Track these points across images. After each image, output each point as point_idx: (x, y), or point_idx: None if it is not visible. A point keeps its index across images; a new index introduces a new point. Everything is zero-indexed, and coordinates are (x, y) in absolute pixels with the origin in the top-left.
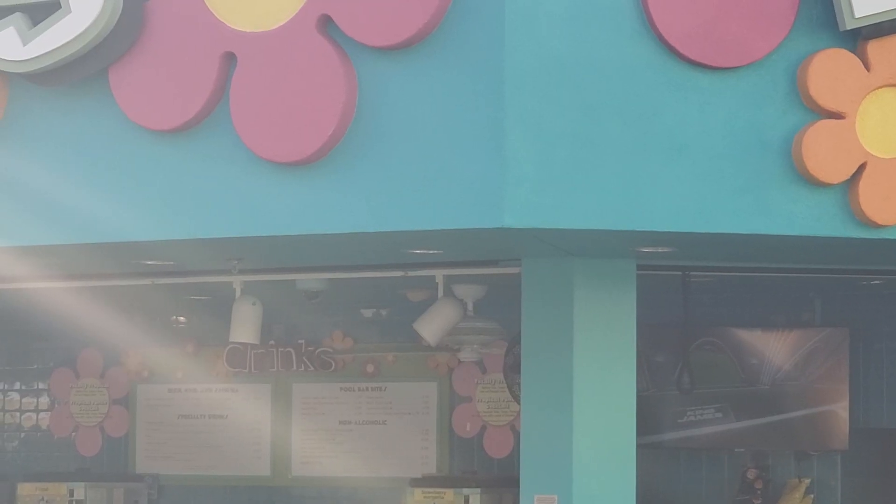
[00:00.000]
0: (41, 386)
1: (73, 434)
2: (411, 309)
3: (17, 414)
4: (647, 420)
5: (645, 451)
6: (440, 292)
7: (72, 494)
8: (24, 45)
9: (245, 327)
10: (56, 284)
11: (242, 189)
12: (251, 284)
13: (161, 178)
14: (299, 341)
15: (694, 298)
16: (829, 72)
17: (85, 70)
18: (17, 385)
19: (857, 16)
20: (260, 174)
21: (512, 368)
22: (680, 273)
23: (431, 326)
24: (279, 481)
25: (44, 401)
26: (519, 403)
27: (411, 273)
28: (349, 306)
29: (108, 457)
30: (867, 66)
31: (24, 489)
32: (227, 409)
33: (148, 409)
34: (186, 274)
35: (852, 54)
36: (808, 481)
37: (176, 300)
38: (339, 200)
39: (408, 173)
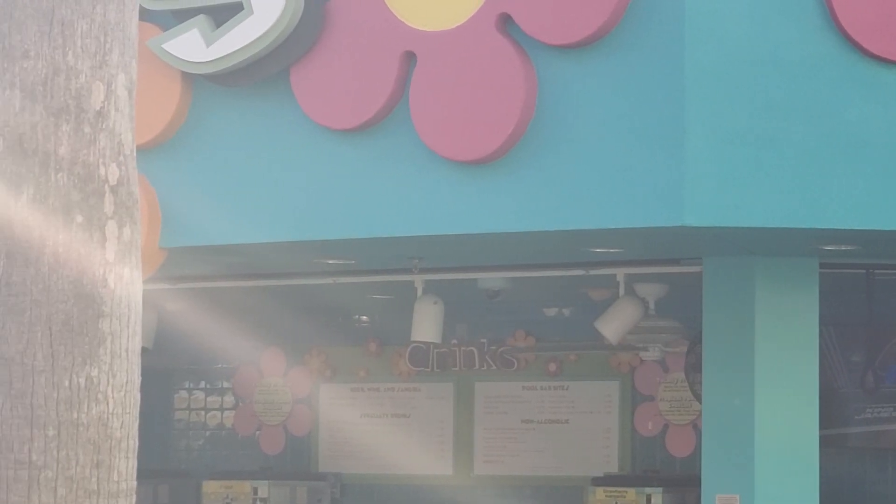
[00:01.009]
0: (225, 385)
1: (257, 433)
2: (594, 308)
3: (202, 412)
4: (828, 414)
5: (828, 450)
6: (621, 291)
7: (255, 493)
8: (207, 46)
9: (426, 326)
10: (240, 283)
11: (422, 188)
12: (432, 283)
13: (341, 176)
14: (482, 340)
15: (879, 297)
16: None
17: (267, 70)
18: (203, 384)
19: None
20: (439, 173)
21: (693, 367)
22: (864, 271)
23: (612, 325)
24: (461, 480)
25: (228, 399)
26: (700, 402)
27: (592, 272)
28: (531, 305)
29: (291, 455)
30: None
31: (210, 487)
32: (410, 408)
33: (331, 408)
34: (368, 273)
35: None
36: None
37: (359, 299)
38: (518, 199)
39: (587, 172)
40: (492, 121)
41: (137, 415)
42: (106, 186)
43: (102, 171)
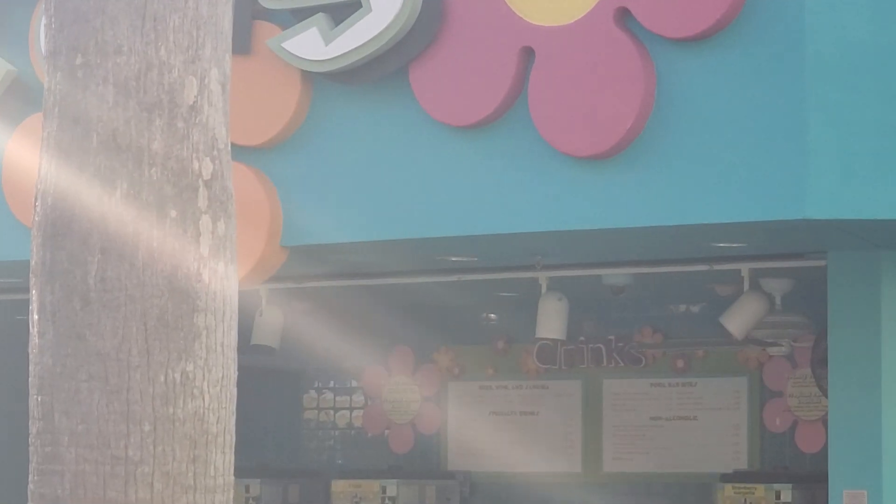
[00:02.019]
0: (354, 384)
1: (386, 432)
2: (721, 303)
3: (332, 412)
4: None
5: None
6: (746, 286)
7: (384, 491)
8: (326, 44)
9: (551, 323)
10: (363, 283)
11: (541, 184)
12: (557, 280)
13: (461, 173)
14: (609, 337)
15: None
16: None
17: (386, 67)
18: (332, 384)
19: None
20: (558, 169)
21: (819, 362)
22: None
23: (737, 320)
24: (590, 477)
25: (357, 399)
26: (826, 397)
27: (716, 267)
28: (658, 301)
29: (419, 454)
30: None
31: (338, 486)
32: (538, 406)
33: (459, 406)
34: (491, 270)
35: None
36: None
37: (486, 297)
38: (638, 194)
39: (708, 166)
40: (611, 116)
41: (234, 410)
42: (200, 181)
43: (196, 165)
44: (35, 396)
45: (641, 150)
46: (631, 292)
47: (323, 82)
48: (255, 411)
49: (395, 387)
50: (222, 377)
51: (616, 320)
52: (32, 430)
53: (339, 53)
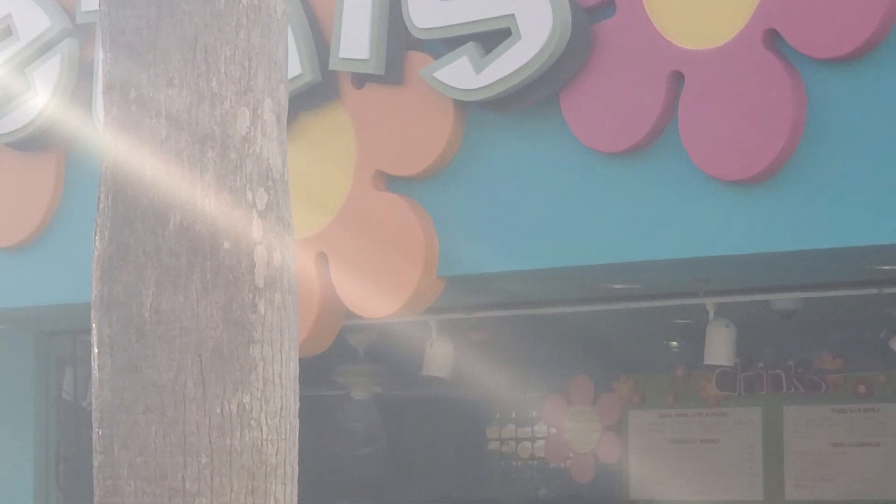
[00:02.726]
0: (535, 414)
1: (568, 461)
2: None
3: (514, 443)
4: None
5: None
6: None
7: None
8: (477, 73)
9: (719, 350)
10: (534, 311)
11: (696, 209)
12: (724, 306)
13: (615, 200)
14: (788, 363)
15: None
16: None
17: (536, 95)
18: (513, 414)
19: None
20: (712, 193)
21: None
22: None
23: None
24: None
25: (539, 429)
26: None
27: (885, 290)
28: (836, 326)
29: (602, 483)
30: None
31: None
32: (718, 433)
33: (640, 434)
34: (657, 297)
35: None
36: None
37: (661, 324)
38: (791, 217)
39: (863, 187)
40: (761, 139)
41: (296, 441)
42: (254, 212)
43: (250, 196)
44: (97, 430)
45: (794, 173)
46: (801, 317)
47: (476, 111)
48: (437, 443)
49: (575, 416)
50: (280, 408)
51: (795, 346)
52: (95, 463)
53: (490, 82)
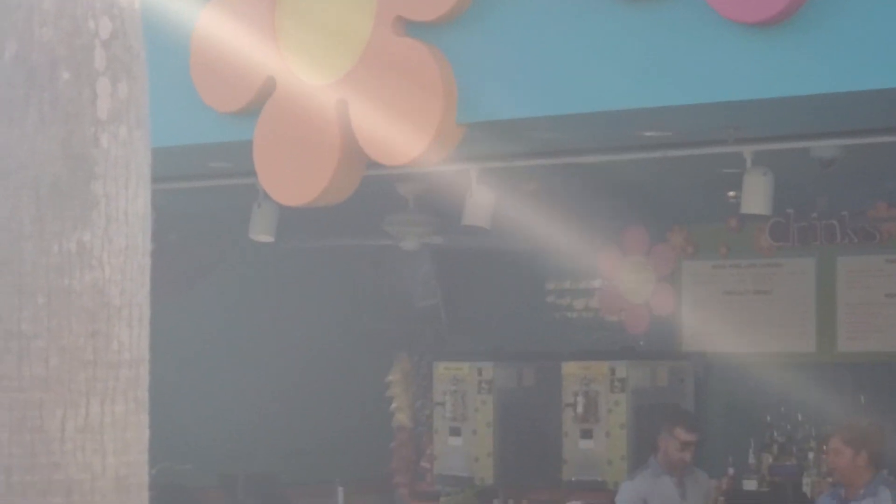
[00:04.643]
0: (590, 265)
1: (622, 313)
2: None
3: (569, 295)
4: None
5: None
6: None
7: (613, 373)
8: None
9: (756, 198)
10: (571, 160)
11: (719, 52)
12: (762, 154)
13: (637, 44)
14: (842, 213)
15: None
16: None
17: None
18: (569, 266)
19: None
20: (735, 36)
21: None
22: None
23: None
24: (824, 357)
25: (594, 282)
26: None
27: None
28: (891, 175)
29: (656, 335)
30: None
31: (569, 368)
32: (772, 285)
33: (693, 285)
34: (692, 145)
35: None
36: None
37: (710, 174)
38: (809, 60)
39: (880, 28)
40: None
41: (146, 282)
42: (96, 41)
43: (92, 24)
44: None
45: (813, 15)
46: (851, 166)
47: None
48: (493, 296)
49: (629, 267)
50: (126, 247)
51: (849, 196)
52: None
53: None
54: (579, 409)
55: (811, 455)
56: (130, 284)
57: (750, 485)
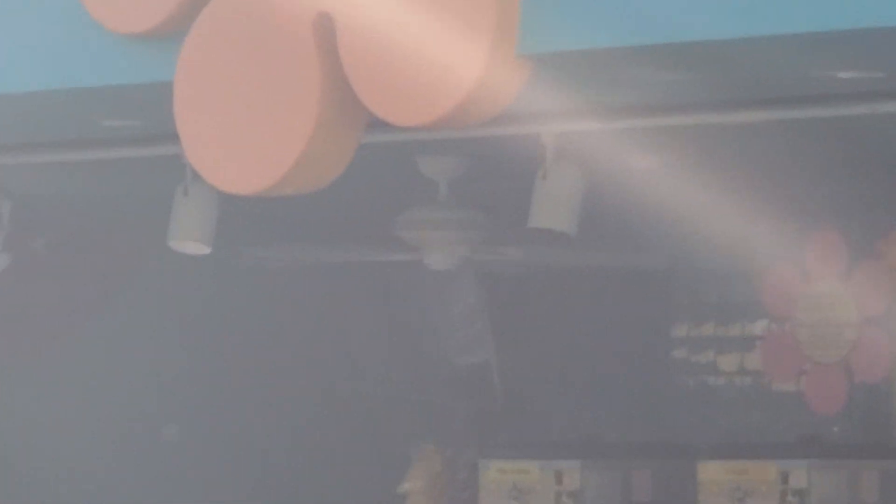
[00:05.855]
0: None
1: (801, 379)
2: None
3: (712, 348)
4: None
5: None
6: None
7: (785, 481)
8: None
9: None
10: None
11: None
12: None
13: None
14: None
15: None
16: None
17: None
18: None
19: None
20: None
21: None
22: None
23: None
24: None
25: (755, 325)
26: None
27: None
28: None
29: (858, 417)
30: None
31: (708, 471)
32: None
33: None
34: None
35: None
36: None
37: None
38: None
39: None
40: None
41: None
42: None
43: None
44: None
45: None
46: None
47: None
48: (579, 349)
49: (817, 298)
50: None
51: None
52: None
53: None
54: None
55: None
56: None
57: None
